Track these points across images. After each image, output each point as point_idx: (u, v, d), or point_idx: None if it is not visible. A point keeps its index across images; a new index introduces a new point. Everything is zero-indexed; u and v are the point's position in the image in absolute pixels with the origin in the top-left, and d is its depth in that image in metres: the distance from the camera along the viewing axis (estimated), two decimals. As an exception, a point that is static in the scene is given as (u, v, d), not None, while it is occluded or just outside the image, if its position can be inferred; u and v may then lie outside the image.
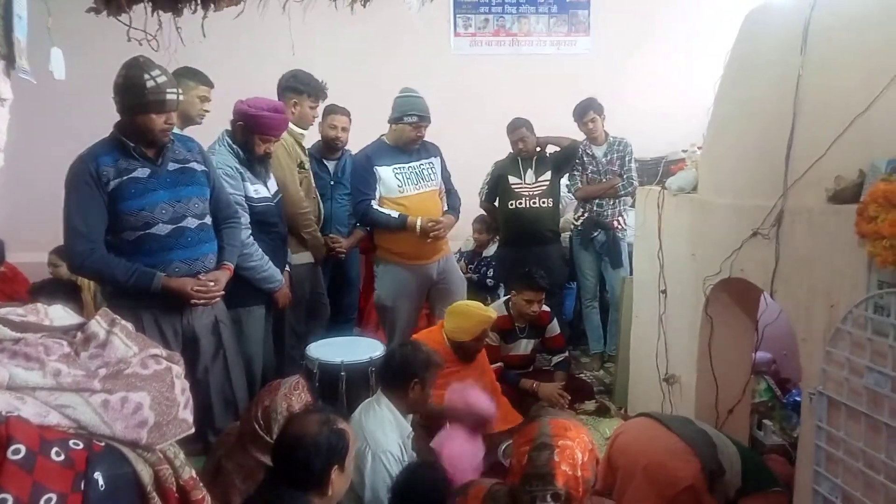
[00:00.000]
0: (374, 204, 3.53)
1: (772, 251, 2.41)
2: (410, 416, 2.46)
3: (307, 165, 3.54)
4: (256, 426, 1.97)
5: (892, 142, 1.99)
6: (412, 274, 3.59)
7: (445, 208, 3.69)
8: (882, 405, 1.91)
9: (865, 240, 1.94)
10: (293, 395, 2.05)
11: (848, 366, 2.05)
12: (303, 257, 3.52)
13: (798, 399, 2.87)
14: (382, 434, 2.25)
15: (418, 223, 3.45)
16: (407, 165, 3.57)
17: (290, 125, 3.40)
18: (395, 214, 3.50)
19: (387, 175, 3.53)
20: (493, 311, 3.26)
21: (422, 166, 3.62)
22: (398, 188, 3.53)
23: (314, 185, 3.66)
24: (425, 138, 3.64)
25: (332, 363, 2.88)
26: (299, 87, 3.44)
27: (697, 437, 2.36)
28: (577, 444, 1.77)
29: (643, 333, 3.52)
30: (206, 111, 3.05)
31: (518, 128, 4.22)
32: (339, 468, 1.69)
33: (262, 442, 1.96)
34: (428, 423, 2.97)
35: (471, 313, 3.15)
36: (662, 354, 3.24)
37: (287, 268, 3.32)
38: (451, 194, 3.79)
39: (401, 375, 2.36)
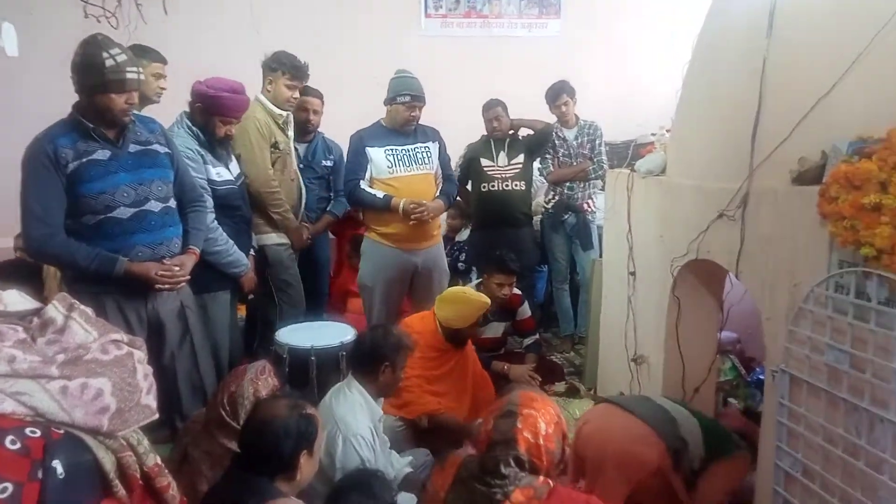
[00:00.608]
0: (363, 184, 3.50)
1: (737, 232, 2.45)
2: (381, 400, 2.45)
3: (283, 146, 3.45)
4: (223, 412, 1.94)
5: (854, 124, 2.02)
6: (397, 257, 3.56)
7: (437, 194, 3.67)
8: (841, 381, 1.97)
9: (827, 220, 1.98)
10: (260, 379, 2.02)
11: (809, 344, 2.10)
12: (275, 237, 3.47)
13: (762, 377, 2.94)
14: (353, 418, 2.24)
15: (401, 204, 3.42)
16: (400, 147, 3.54)
17: (268, 104, 3.35)
18: (380, 195, 3.47)
19: (377, 156, 3.50)
20: (485, 296, 3.25)
21: (416, 149, 3.59)
22: (388, 169, 3.50)
23: (294, 167, 3.59)
24: (424, 122, 3.62)
25: (301, 348, 2.85)
26: (274, 64, 3.36)
27: (658, 416, 2.41)
28: (542, 414, 1.78)
29: (612, 315, 3.55)
30: (163, 89, 2.97)
31: (493, 107, 4.21)
32: (307, 453, 1.68)
33: (229, 428, 1.93)
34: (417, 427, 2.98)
35: (469, 300, 3.14)
36: (631, 335, 3.28)
37: (252, 252, 3.27)
38: (447, 180, 3.76)
39: (371, 359, 2.35)
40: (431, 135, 3.70)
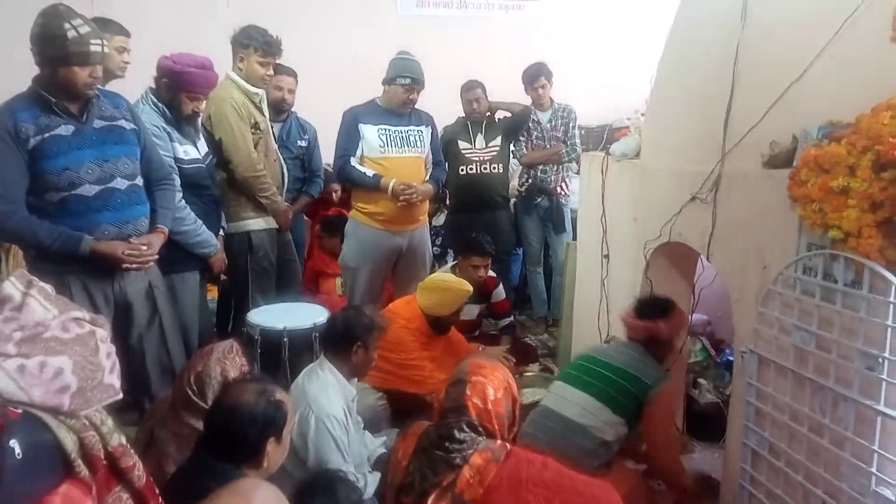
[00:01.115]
0: (353, 161, 3.46)
1: (709, 215, 2.47)
2: (355, 380, 2.44)
3: (263, 126, 3.36)
4: (190, 392, 1.90)
5: (825, 108, 2.04)
6: (383, 239, 3.54)
7: (427, 178, 3.63)
8: (807, 362, 2.00)
9: (796, 203, 2.00)
10: (227, 359, 1.98)
11: (777, 325, 2.14)
12: (263, 222, 3.40)
13: (731, 359, 2.99)
14: (326, 398, 2.22)
15: (391, 185, 3.39)
16: (394, 128, 3.50)
17: (242, 82, 3.26)
18: (370, 173, 3.44)
19: (370, 134, 3.46)
20: (467, 283, 3.23)
21: (409, 132, 3.55)
22: (380, 148, 3.46)
23: (274, 147, 3.51)
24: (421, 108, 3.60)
25: (273, 329, 2.82)
26: (244, 40, 3.24)
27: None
28: (490, 381, 1.84)
29: (586, 297, 3.58)
30: (127, 62, 2.87)
31: (473, 88, 4.19)
32: (275, 440, 1.64)
33: (196, 408, 1.90)
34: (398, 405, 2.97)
35: (451, 289, 3.14)
36: (604, 317, 3.30)
37: (221, 233, 3.21)
38: (437, 166, 3.74)
39: (343, 339, 2.33)
40: (426, 119, 3.67)
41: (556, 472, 1.78)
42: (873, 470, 1.77)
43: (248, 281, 3.38)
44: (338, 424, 2.18)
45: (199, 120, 3.10)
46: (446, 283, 3.20)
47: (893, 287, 1.71)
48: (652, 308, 2.60)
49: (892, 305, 1.71)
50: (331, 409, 2.19)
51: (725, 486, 2.48)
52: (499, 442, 1.80)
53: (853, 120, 1.88)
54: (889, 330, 1.72)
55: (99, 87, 2.39)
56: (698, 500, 2.53)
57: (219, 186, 3.23)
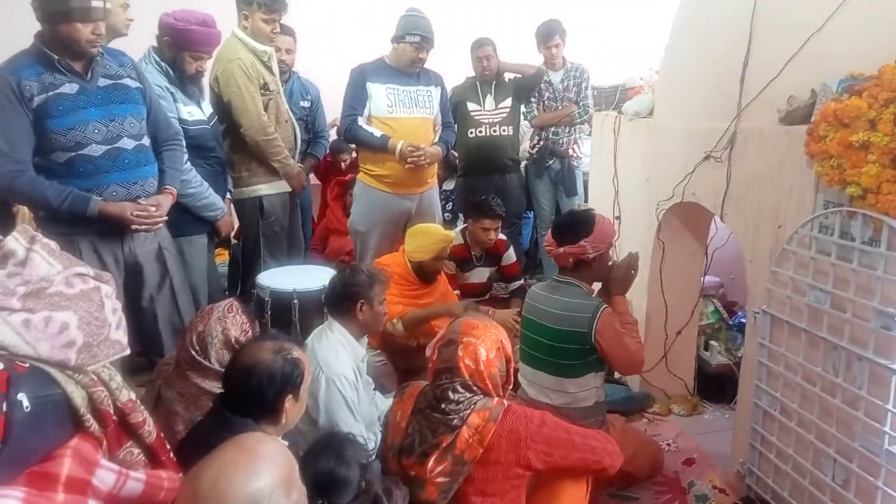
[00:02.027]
0: (361, 121, 3.40)
1: (723, 174, 2.41)
2: (365, 340, 2.44)
3: (273, 86, 3.28)
4: (193, 353, 1.91)
5: (845, 61, 1.96)
6: (390, 202, 3.50)
7: (436, 140, 3.58)
8: (821, 322, 1.97)
9: (814, 160, 1.95)
10: (227, 317, 1.99)
11: (791, 285, 2.10)
12: (275, 187, 3.36)
13: (743, 321, 2.96)
14: (336, 358, 2.23)
15: (399, 146, 3.33)
16: (402, 88, 3.43)
17: (250, 40, 3.18)
18: (377, 133, 3.38)
19: (378, 93, 3.39)
20: (451, 232, 3.23)
21: (418, 92, 3.48)
22: (388, 108, 3.40)
23: (286, 107, 3.45)
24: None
25: (284, 291, 2.82)
26: None
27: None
28: (482, 341, 1.83)
29: (597, 260, 3.54)
30: (130, 20, 2.82)
31: (484, 45, 4.08)
32: (293, 397, 1.65)
33: (200, 367, 1.91)
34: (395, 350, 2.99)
35: (429, 232, 3.14)
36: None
37: (228, 196, 3.19)
38: (446, 128, 3.67)
39: (346, 300, 2.32)
40: (435, 79, 3.59)
41: (554, 426, 1.81)
42: (886, 429, 1.75)
43: (260, 245, 3.39)
44: (348, 384, 2.19)
45: (204, 80, 3.05)
46: (427, 227, 3.19)
47: (912, 244, 1.66)
48: (572, 229, 2.39)
49: (910, 263, 1.67)
50: (341, 368, 2.20)
51: (736, 447, 2.48)
52: (496, 400, 1.81)
53: (875, 72, 1.82)
54: (906, 288, 1.69)
55: (103, 45, 2.35)
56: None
57: (227, 150, 3.20)
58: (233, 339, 1.95)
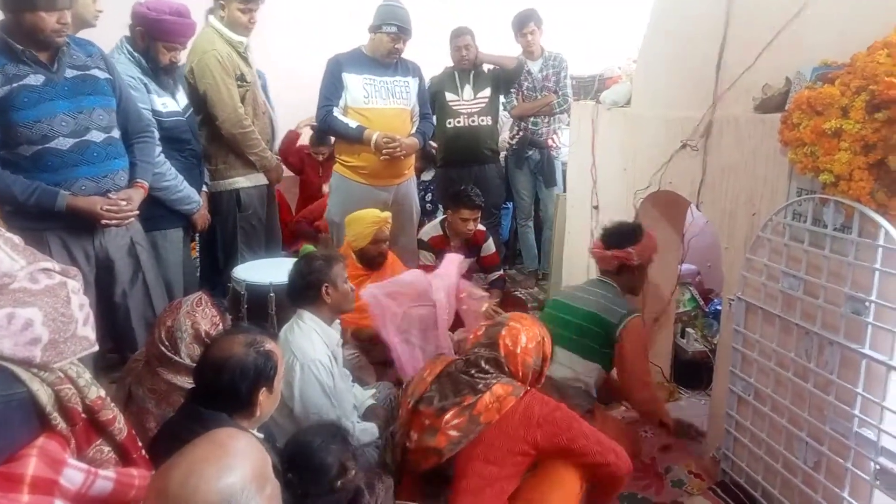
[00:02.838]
0: (337, 112, 3.37)
1: (699, 162, 2.43)
2: (338, 324, 2.41)
3: (250, 77, 3.23)
4: (163, 348, 1.88)
5: (819, 49, 1.98)
6: (367, 193, 3.46)
7: (413, 131, 3.55)
8: (794, 308, 2.00)
9: (788, 147, 1.96)
10: (196, 311, 1.96)
11: (766, 272, 2.12)
12: (252, 179, 3.32)
13: (719, 308, 2.99)
14: (310, 345, 2.21)
15: (374, 137, 3.30)
16: (379, 78, 3.40)
17: (226, 31, 3.12)
18: (352, 124, 3.35)
19: (354, 84, 3.36)
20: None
21: (395, 83, 3.45)
22: (364, 99, 3.37)
23: (263, 98, 3.39)
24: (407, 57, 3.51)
25: (260, 284, 2.79)
26: None
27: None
28: (526, 330, 1.95)
29: (575, 249, 3.56)
30: (100, 11, 2.75)
31: (463, 34, 4.04)
32: (267, 390, 1.64)
33: (171, 363, 1.89)
34: (366, 344, 2.97)
35: (362, 217, 3.12)
36: (593, 269, 3.28)
37: (205, 189, 3.15)
38: (424, 119, 3.64)
39: (309, 288, 2.30)
40: (413, 70, 3.56)
41: (567, 415, 1.88)
42: (856, 412, 1.78)
43: (237, 238, 3.35)
44: (323, 369, 2.18)
45: (179, 71, 2.99)
46: (360, 213, 3.16)
47: (883, 231, 1.68)
48: (621, 236, 2.56)
49: (880, 249, 1.69)
50: (315, 354, 2.19)
51: (711, 432, 2.51)
52: (519, 383, 1.91)
53: (848, 60, 1.83)
54: (877, 273, 1.71)
55: (70, 35, 2.29)
56: (680, 438, 2.58)
57: (204, 142, 3.15)
58: (203, 333, 1.92)
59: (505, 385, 1.86)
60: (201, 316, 1.94)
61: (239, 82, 3.16)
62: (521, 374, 1.92)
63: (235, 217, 3.33)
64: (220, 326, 1.98)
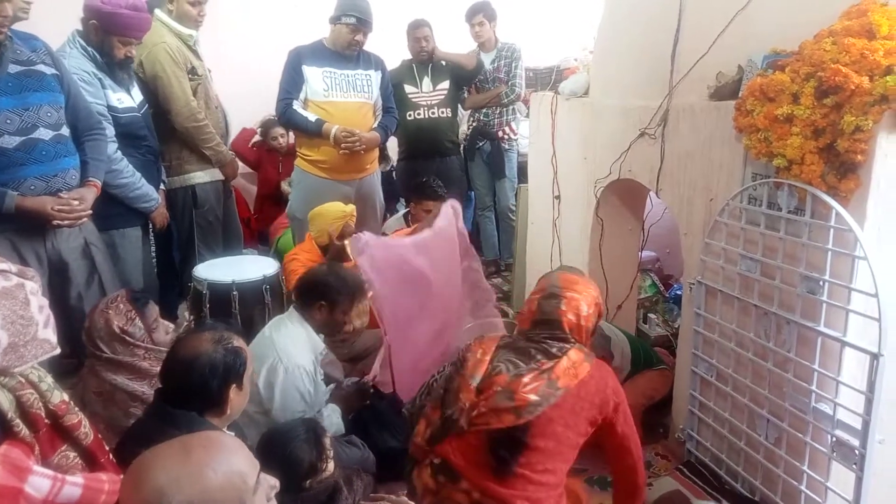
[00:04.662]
0: (296, 105, 3.31)
1: (657, 150, 2.48)
2: (322, 336, 2.38)
3: (201, 70, 3.18)
4: (91, 348, 1.90)
5: (770, 37, 2.04)
6: (328, 188, 3.40)
7: (375, 125, 3.51)
8: (752, 289, 2.06)
9: (742, 133, 2.02)
10: (111, 308, 1.96)
11: (724, 255, 2.19)
12: (207, 174, 3.26)
13: (680, 293, 3.07)
14: (295, 349, 2.16)
15: (333, 131, 3.26)
16: (340, 71, 3.34)
17: (174, 24, 3.06)
18: (312, 118, 3.29)
19: (314, 76, 3.30)
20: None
21: (356, 76, 3.40)
22: (324, 92, 3.32)
23: (214, 92, 3.34)
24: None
25: (222, 283, 2.73)
26: None
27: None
28: (584, 297, 1.84)
29: (538, 239, 3.60)
30: (29, 2, 2.63)
31: (421, 26, 4.02)
32: (236, 387, 1.62)
33: (103, 360, 1.90)
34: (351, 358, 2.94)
35: (325, 212, 3.08)
36: (557, 258, 3.33)
37: (162, 186, 3.07)
38: (387, 113, 3.59)
39: (309, 294, 2.26)
40: (375, 63, 3.52)
41: (625, 395, 1.83)
42: (813, 388, 1.86)
43: (194, 236, 3.27)
44: (306, 376, 2.14)
45: (132, 66, 2.90)
46: (323, 208, 3.11)
47: (834, 212, 1.75)
48: None
49: (832, 230, 1.76)
50: (300, 359, 2.14)
51: (676, 414, 2.57)
52: (585, 348, 1.83)
53: (797, 48, 1.89)
54: (829, 254, 1.78)
55: (12, 28, 2.19)
56: None
57: (157, 137, 3.07)
58: (118, 329, 1.94)
59: (578, 351, 1.78)
60: (115, 312, 1.95)
61: (190, 75, 3.10)
62: (583, 339, 1.85)
63: (192, 214, 3.26)
64: (138, 321, 1.99)
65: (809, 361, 1.86)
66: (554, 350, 1.76)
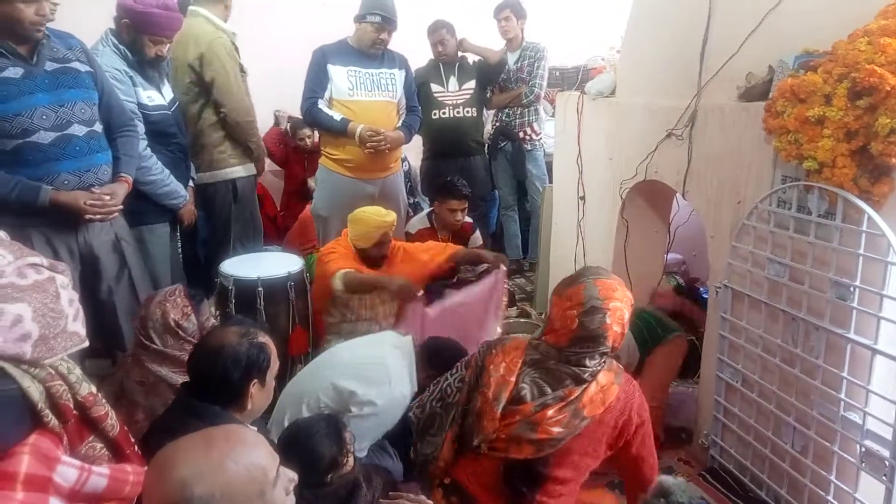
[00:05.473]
0: (321, 104, 3.34)
1: (684, 151, 2.45)
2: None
3: (244, 69, 3.27)
4: (141, 337, 1.92)
5: (802, 37, 2.00)
6: (352, 186, 3.43)
7: (399, 124, 3.52)
8: (780, 294, 2.03)
9: (772, 135, 1.98)
10: (168, 301, 1.98)
11: (751, 259, 2.15)
12: (246, 169, 3.38)
13: (705, 296, 3.02)
14: (400, 381, 2.20)
15: (358, 130, 3.28)
16: (364, 70, 3.37)
17: (219, 21, 3.15)
18: (337, 117, 3.33)
19: (339, 76, 3.33)
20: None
21: (381, 74, 3.42)
22: (349, 91, 3.34)
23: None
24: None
25: (248, 279, 2.76)
26: None
27: None
28: (625, 303, 1.68)
29: (562, 240, 3.58)
30: (56, 4, 2.67)
31: (438, 29, 4.03)
32: (259, 383, 1.63)
33: (151, 351, 1.91)
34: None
35: (367, 219, 3.03)
36: (581, 259, 3.31)
37: (191, 183, 3.12)
38: (411, 112, 3.61)
39: (436, 358, 2.25)
40: (399, 61, 3.53)
41: (650, 420, 1.75)
42: (842, 396, 1.82)
43: (230, 231, 3.33)
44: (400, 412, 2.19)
45: (164, 63, 2.94)
46: (363, 213, 3.06)
47: (866, 216, 1.71)
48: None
49: (863, 234, 1.72)
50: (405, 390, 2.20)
51: (700, 419, 2.54)
52: (615, 364, 1.72)
53: (829, 48, 1.85)
54: (860, 259, 1.74)
55: (50, 27, 2.25)
56: None
57: (199, 130, 3.16)
58: (172, 323, 1.95)
59: (608, 372, 1.67)
60: (172, 305, 1.97)
61: (241, 72, 3.23)
62: (618, 343, 1.71)
63: (230, 208, 3.33)
64: (192, 317, 2.01)
65: (838, 369, 1.82)
66: (586, 374, 1.63)
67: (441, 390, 1.86)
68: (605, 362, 1.68)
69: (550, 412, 1.60)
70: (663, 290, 2.87)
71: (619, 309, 1.65)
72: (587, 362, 1.64)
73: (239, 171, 3.33)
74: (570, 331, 1.65)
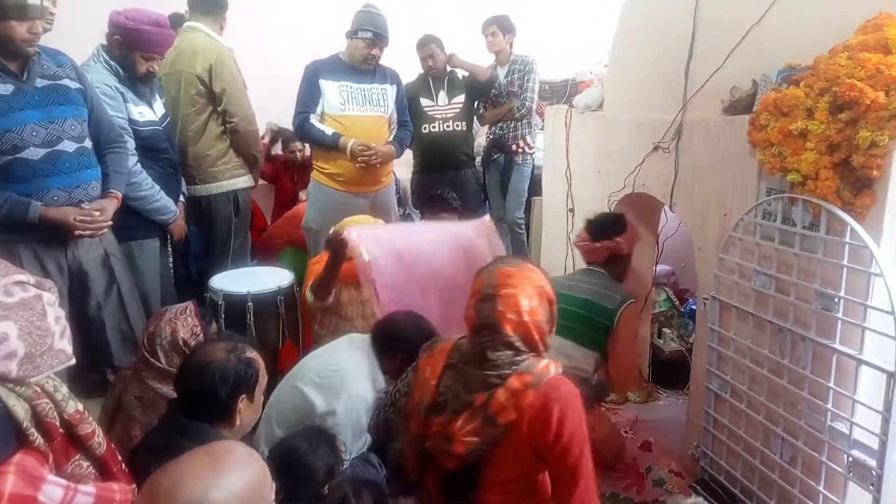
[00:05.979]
0: (313, 119, 3.37)
1: (671, 164, 2.47)
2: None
3: (245, 83, 3.37)
4: (145, 352, 1.88)
5: (784, 52, 2.04)
6: (343, 200, 3.44)
7: (390, 139, 3.55)
8: (767, 305, 2.04)
9: (756, 148, 2.01)
10: (179, 319, 1.96)
11: (738, 270, 2.17)
12: (248, 180, 3.45)
13: (694, 308, 3.04)
14: (356, 378, 2.17)
15: (350, 144, 3.30)
16: (356, 85, 3.40)
17: (218, 38, 3.26)
18: (328, 131, 3.35)
19: (331, 90, 3.36)
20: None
21: (372, 90, 3.45)
22: (340, 106, 3.37)
23: None
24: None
25: (237, 294, 2.76)
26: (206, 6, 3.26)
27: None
28: (521, 290, 1.59)
29: (552, 252, 3.59)
30: (52, 14, 2.69)
31: (427, 44, 4.06)
32: (247, 398, 1.63)
33: (153, 368, 1.89)
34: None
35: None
36: (570, 271, 3.32)
37: (182, 198, 3.12)
38: (402, 127, 3.64)
39: (391, 343, 2.21)
40: (391, 77, 3.56)
41: (582, 439, 1.57)
42: (829, 406, 1.83)
43: (230, 245, 3.33)
44: (364, 409, 2.15)
45: (156, 80, 2.96)
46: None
47: (849, 228, 1.73)
48: (608, 226, 2.63)
49: (847, 246, 1.74)
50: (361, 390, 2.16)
51: (690, 430, 2.54)
52: (543, 363, 1.59)
53: (811, 62, 1.89)
54: (844, 270, 1.76)
55: (40, 44, 2.26)
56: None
57: (202, 142, 3.21)
58: (181, 341, 1.92)
59: (521, 374, 1.54)
60: (182, 324, 1.95)
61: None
62: (536, 336, 1.61)
63: (231, 221, 3.35)
64: (201, 337, 1.97)
65: (825, 379, 1.83)
66: (492, 379, 1.55)
67: (391, 396, 1.84)
68: (518, 362, 1.58)
69: (460, 422, 1.55)
70: (582, 241, 2.68)
71: (512, 295, 1.57)
72: (489, 354, 1.57)
73: (241, 182, 3.39)
74: (471, 320, 1.62)
